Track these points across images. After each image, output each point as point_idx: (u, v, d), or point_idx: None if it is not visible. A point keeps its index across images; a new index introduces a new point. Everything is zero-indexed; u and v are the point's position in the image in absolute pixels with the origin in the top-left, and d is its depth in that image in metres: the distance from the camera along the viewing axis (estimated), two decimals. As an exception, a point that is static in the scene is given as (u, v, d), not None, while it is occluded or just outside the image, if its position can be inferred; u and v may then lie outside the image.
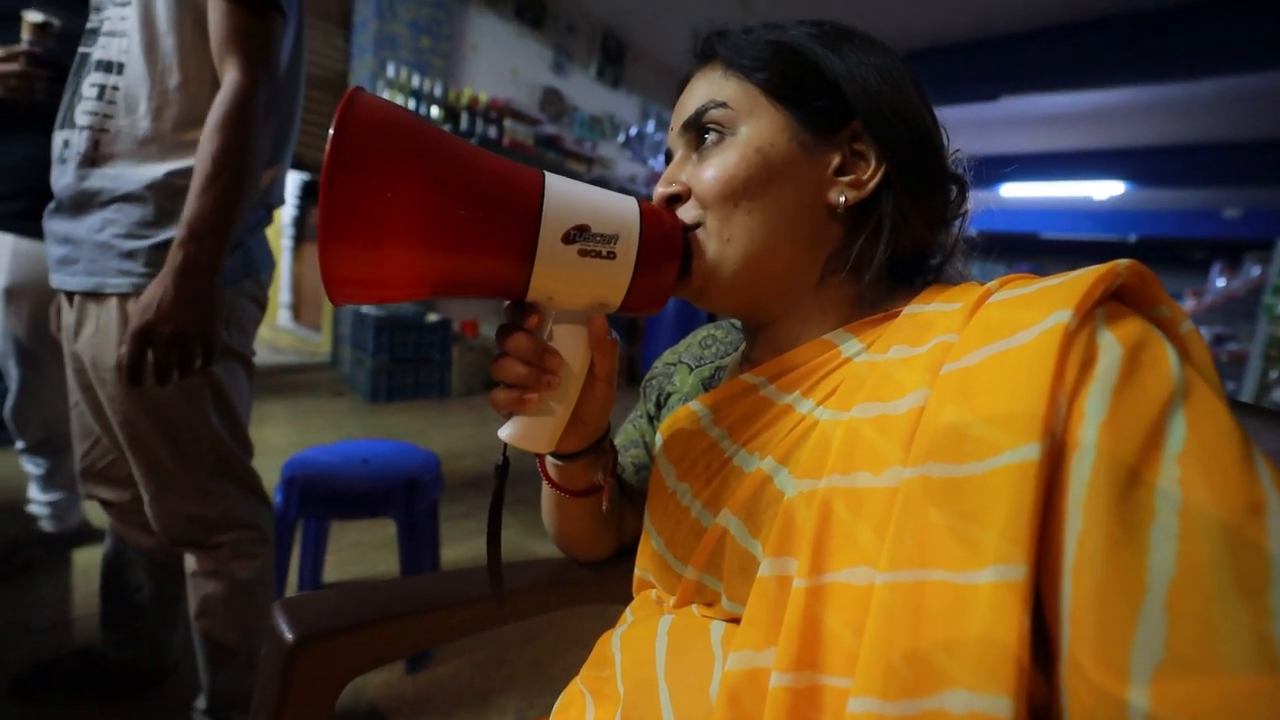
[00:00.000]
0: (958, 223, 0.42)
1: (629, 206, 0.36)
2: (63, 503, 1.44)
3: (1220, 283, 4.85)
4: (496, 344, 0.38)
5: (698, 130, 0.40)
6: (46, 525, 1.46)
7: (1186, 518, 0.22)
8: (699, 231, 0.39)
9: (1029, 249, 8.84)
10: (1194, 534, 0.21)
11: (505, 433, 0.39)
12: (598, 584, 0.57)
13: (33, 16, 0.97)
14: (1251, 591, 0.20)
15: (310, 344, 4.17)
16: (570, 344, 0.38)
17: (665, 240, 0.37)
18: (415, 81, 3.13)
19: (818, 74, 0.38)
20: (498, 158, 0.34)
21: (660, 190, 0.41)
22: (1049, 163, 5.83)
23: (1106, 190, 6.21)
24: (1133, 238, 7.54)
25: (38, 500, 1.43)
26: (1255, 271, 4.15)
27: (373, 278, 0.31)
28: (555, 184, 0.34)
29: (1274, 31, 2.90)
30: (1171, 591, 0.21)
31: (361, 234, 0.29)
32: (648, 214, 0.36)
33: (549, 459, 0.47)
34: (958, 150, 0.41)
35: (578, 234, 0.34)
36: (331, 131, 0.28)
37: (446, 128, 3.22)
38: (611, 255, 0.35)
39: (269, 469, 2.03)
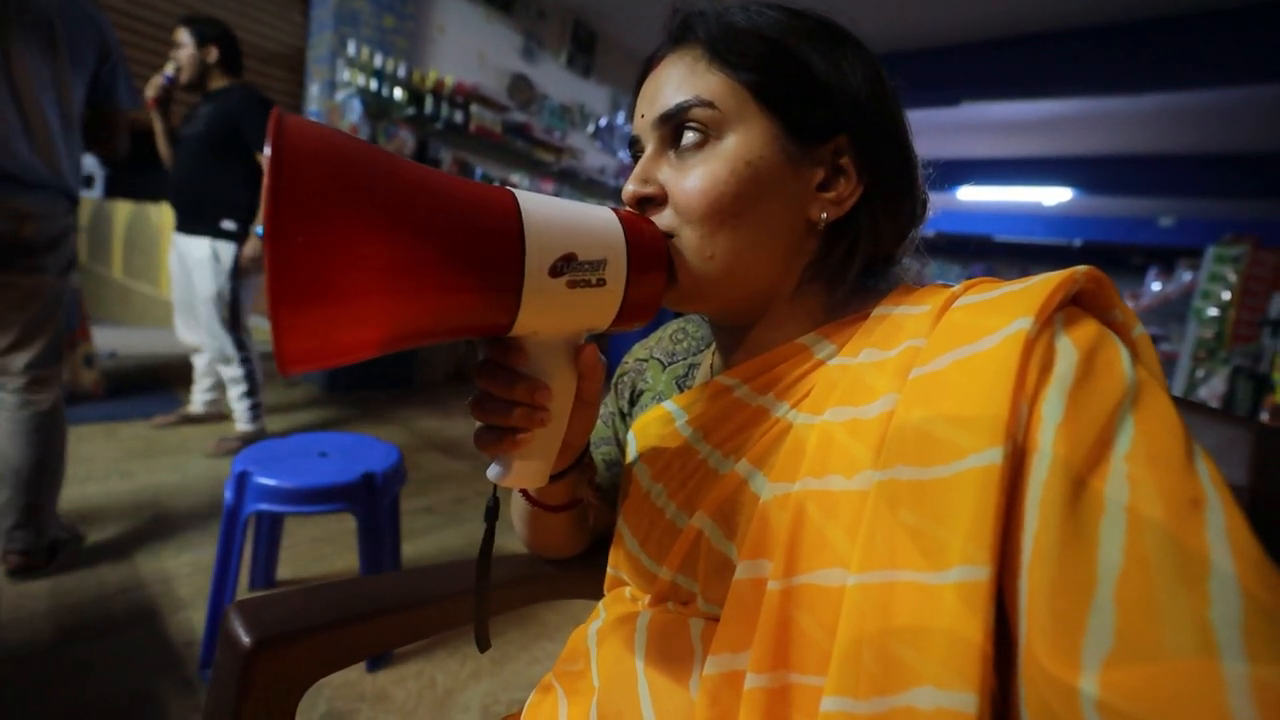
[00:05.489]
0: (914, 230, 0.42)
1: (611, 224, 0.33)
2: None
3: (1155, 286, 5.14)
4: (476, 382, 0.35)
5: (676, 126, 0.37)
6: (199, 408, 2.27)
7: (1133, 513, 0.23)
8: (675, 241, 0.37)
9: (983, 251, 9.17)
10: (1140, 528, 0.23)
11: (495, 474, 0.35)
12: (568, 579, 0.57)
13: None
14: (1192, 581, 0.22)
15: (263, 330, 4.00)
16: (558, 374, 0.35)
17: (652, 257, 0.35)
18: (378, 61, 3.02)
19: (810, 81, 0.36)
20: (461, 180, 0.29)
21: (634, 189, 0.38)
22: (1004, 168, 6.06)
23: (1056, 196, 6.48)
24: (1078, 242, 7.90)
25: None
26: (1186, 277, 4.42)
27: (335, 345, 0.25)
28: (531, 208, 0.30)
29: (1212, 52, 3.09)
30: (1119, 583, 0.22)
31: (321, 297, 0.23)
32: (630, 229, 0.34)
33: None
34: (926, 165, 0.41)
35: (564, 265, 0.31)
36: (267, 171, 0.22)
37: (410, 111, 3.12)
38: (601, 282, 0.32)
39: (221, 462, 1.94)
